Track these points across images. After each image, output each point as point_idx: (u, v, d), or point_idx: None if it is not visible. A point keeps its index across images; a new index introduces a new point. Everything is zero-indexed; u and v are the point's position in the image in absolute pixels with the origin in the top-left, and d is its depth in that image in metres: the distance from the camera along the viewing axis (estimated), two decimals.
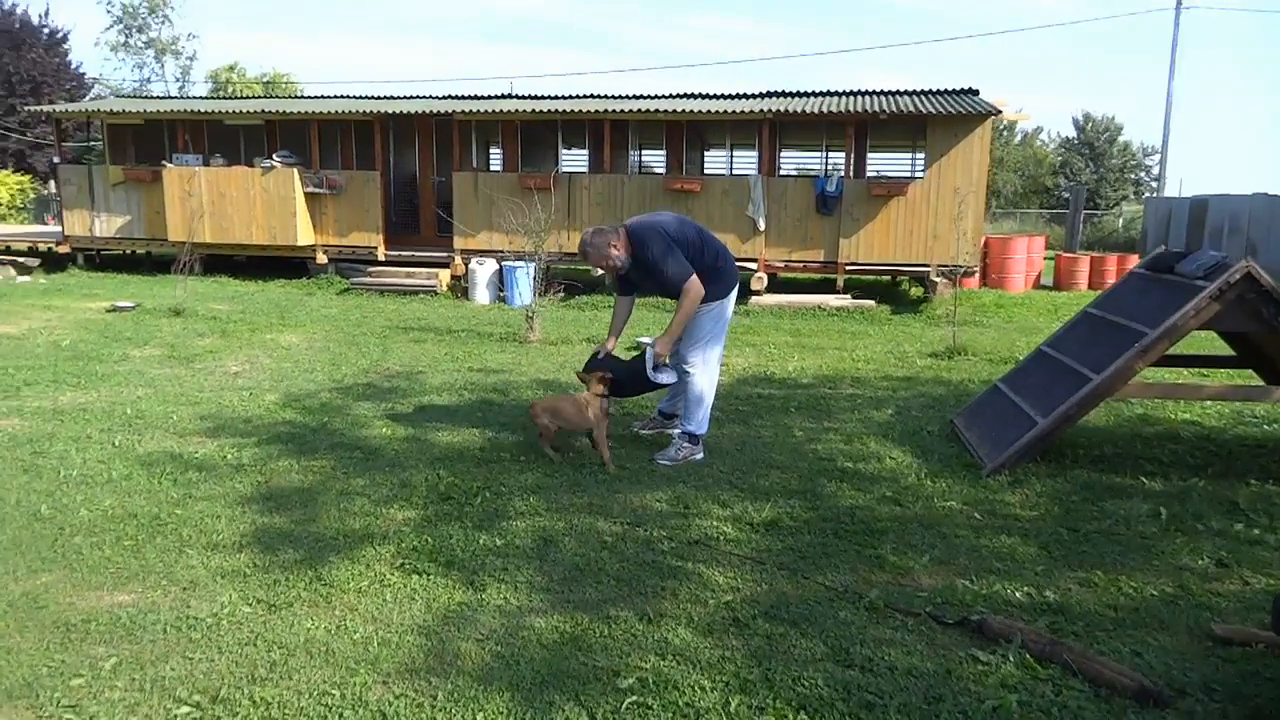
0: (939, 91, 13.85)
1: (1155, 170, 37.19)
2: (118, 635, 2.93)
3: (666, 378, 4.95)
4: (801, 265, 12.84)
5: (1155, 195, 30.02)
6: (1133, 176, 41.79)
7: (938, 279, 12.04)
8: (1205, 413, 6.14)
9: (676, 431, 5.11)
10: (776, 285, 13.29)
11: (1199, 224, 20.97)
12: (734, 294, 5.07)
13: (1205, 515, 4.12)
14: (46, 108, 16.46)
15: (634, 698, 2.59)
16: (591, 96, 14.76)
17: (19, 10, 34.08)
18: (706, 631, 3.00)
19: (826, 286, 13.06)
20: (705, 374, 4.99)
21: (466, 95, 15.73)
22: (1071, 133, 42.81)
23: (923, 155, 13.05)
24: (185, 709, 2.53)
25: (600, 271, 4.86)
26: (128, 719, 2.50)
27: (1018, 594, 3.31)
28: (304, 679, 2.69)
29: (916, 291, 13.52)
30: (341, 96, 17.26)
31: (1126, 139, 41.72)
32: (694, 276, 4.72)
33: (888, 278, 13.96)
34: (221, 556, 3.56)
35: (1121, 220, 32.63)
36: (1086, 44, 77.24)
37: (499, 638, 2.95)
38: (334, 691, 2.62)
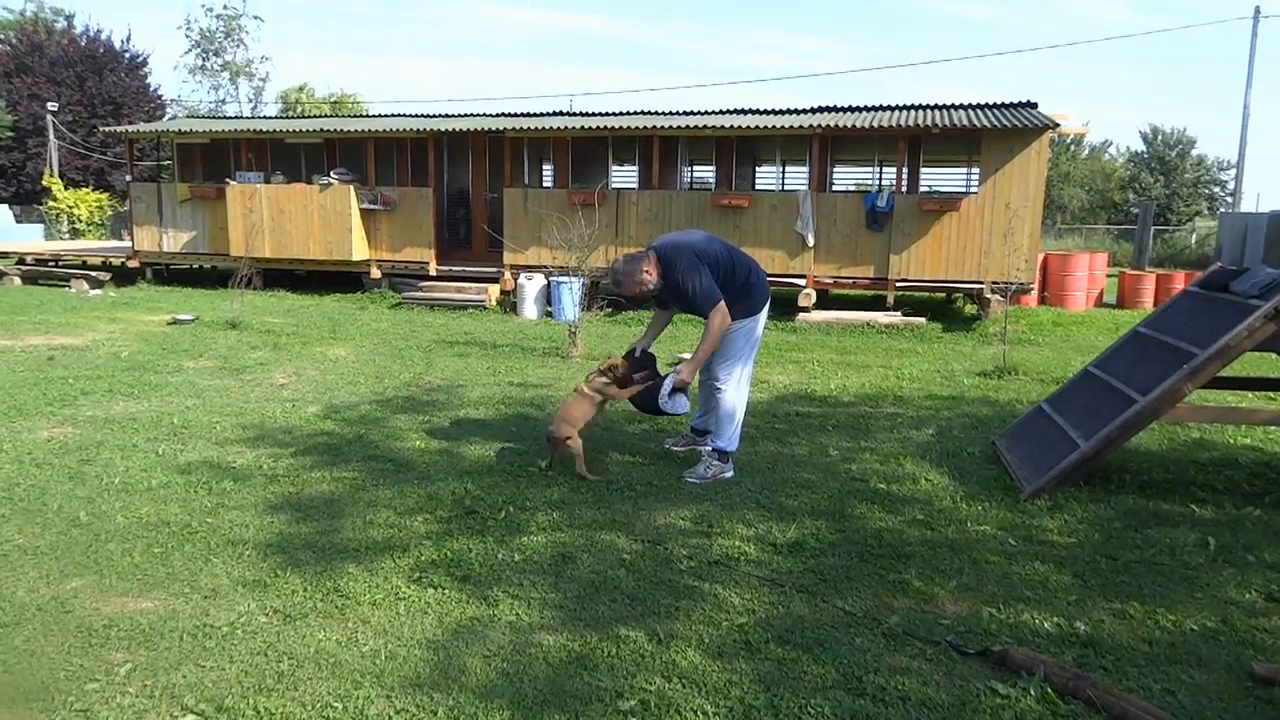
0: (995, 105, 13.57)
1: (1230, 185, 35.93)
2: (136, 641, 2.99)
3: (675, 407, 4.89)
4: (851, 282, 12.67)
5: (1231, 210, 28.95)
6: (1206, 191, 40.38)
7: (992, 296, 11.75)
8: (1268, 438, 5.85)
9: (707, 449, 5.06)
10: (826, 302, 13.14)
11: (1278, 240, 20.10)
12: (766, 310, 5.01)
13: (1258, 546, 3.91)
14: (120, 128, 17.16)
15: None
16: (642, 113, 14.83)
17: (103, 35, 35.73)
18: (716, 654, 2.94)
19: (877, 304, 12.86)
20: (737, 391, 4.94)
21: (519, 113, 15.94)
22: (1140, 146, 41.61)
23: (977, 170, 12.79)
24: (191, 717, 2.56)
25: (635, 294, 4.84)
26: None
27: (1046, 624, 3.18)
28: (309, 691, 2.71)
29: (970, 309, 13.23)
30: (398, 115, 17.66)
31: (1200, 153, 40.39)
32: (721, 303, 4.66)
33: (942, 295, 13.70)
34: (245, 566, 3.62)
35: (1194, 236, 31.51)
36: (1158, 56, 74.97)
37: (506, 654, 2.93)
38: (336, 704, 2.63)
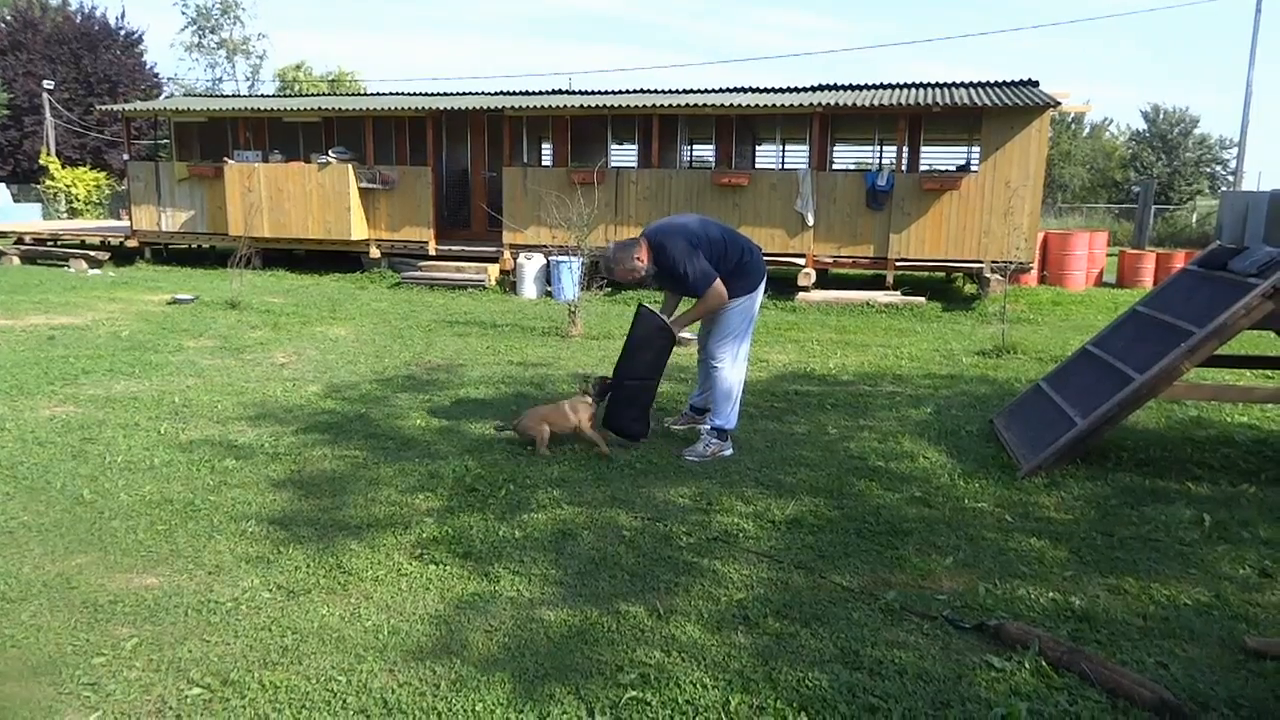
0: (996, 83, 13.51)
1: (1232, 163, 35.77)
2: (141, 617, 3.02)
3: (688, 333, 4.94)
4: (851, 261, 12.65)
5: (1232, 189, 28.85)
6: (1208, 170, 40.23)
7: (991, 275, 11.75)
8: (1264, 415, 5.88)
9: (706, 427, 5.08)
10: (825, 281, 13.14)
11: (1279, 220, 20.03)
12: (762, 288, 5.02)
13: (1253, 523, 3.94)
14: (116, 107, 17.06)
15: (634, 693, 2.58)
16: (641, 91, 14.76)
17: (97, 13, 35.45)
18: (715, 628, 2.98)
19: (877, 283, 12.86)
20: (734, 368, 4.96)
21: (518, 91, 15.86)
22: (1142, 125, 41.42)
23: (978, 149, 12.75)
24: (197, 690, 2.60)
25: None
26: (142, 698, 2.57)
27: (1042, 599, 3.21)
28: (313, 664, 2.74)
29: (970, 288, 13.22)
30: (396, 93, 17.56)
31: (1203, 131, 40.20)
32: (717, 282, 4.69)
33: (941, 274, 13.67)
34: (248, 542, 3.65)
35: (1195, 215, 31.42)
36: (1161, 33, 74.38)
37: (508, 629, 2.97)
38: (340, 677, 2.67)
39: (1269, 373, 6.95)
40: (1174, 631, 2.99)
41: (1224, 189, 33.25)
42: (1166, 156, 39.38)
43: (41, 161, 29.31)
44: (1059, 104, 11.89)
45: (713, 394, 5.01)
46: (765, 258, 5.18)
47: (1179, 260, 14.83)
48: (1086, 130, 41.52)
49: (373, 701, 2.55)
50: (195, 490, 4.23)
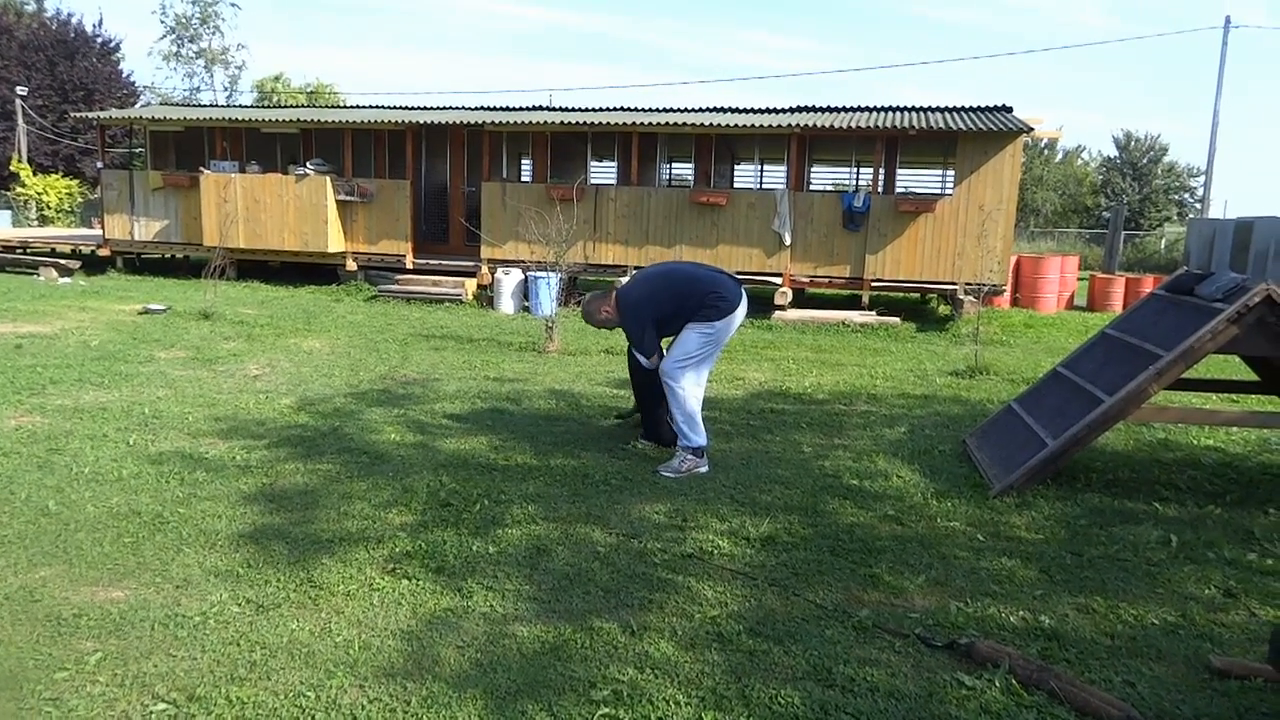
0: (971, 108, 13.73)
1: (1200, 191, 36.52)
2: (106, 631, 2.97)
3: (648, 362, 5.16)
4: (827, 281, 12.77)
5: (1199, 216, 29.42)
6: (1176, 197, 41.03)
7: (965, 297, 11.89)
8: (1229, 438, 5.98)
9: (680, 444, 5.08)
10: (802, 301, 13.22)
11: (1243, 246, 20.46)
12: (734, 316, 5.01)
13: (1218, 543, 4.00)
14: (91, 114, 16.87)
15: (606, 710, 2.57)
16: (621, 109, 14.85)
17: (74, 20, 35.16)
18: (688, 646, 2.97)
19: (853, 303, 12.97)
20: (690, 391, 4.96)
21: (498, 106, 15.90)
22: (1113, 152, 42.19)
23: (953, 172, 12.93)
24: (162, 705, 2.55)
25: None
26: (105, 714, 2.53)
27: (1012, 618, 3.24)
28: (282, 680, 2.70)
29: (944, 310, 13.37)
30: (376, 106, 17.54)
31: (1172, 159, 41.02)
32: (653, 356, 5.08)
33: (916, 295, 13.83)
34: (217, 556, 3.60)
35: (1164, 241, 32.03)
36: (1132, 63, 76.09)
37: (480, 645, 2.94)
38: (309, 693, 2.63)
39: (1234, 396, 7.08)
40: (1141, 650, 3.02)
41: (1192, 216, 33.92)
42: (1137, 183, 40.12)
43: (12, 168, 28.92)
44: (1032, 129, 12.10)
45: (674, 421, 5.02)
46: (742, 277, 5.36)
47: (1148, 285, 15.13)
48: (1059, 156, 42.24)
49: (342, 718, 2.52)
50: (164, 503, 4.17)
